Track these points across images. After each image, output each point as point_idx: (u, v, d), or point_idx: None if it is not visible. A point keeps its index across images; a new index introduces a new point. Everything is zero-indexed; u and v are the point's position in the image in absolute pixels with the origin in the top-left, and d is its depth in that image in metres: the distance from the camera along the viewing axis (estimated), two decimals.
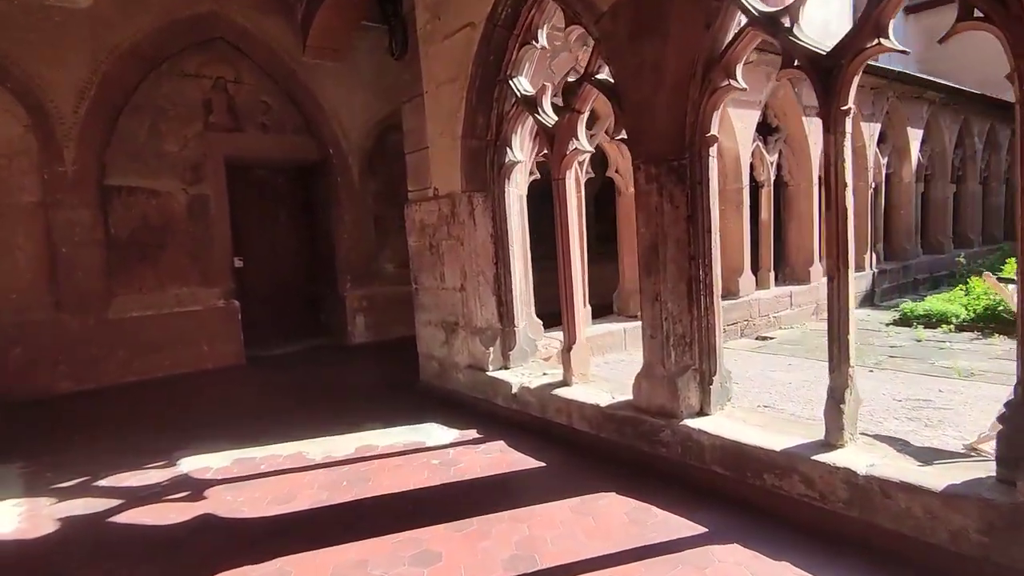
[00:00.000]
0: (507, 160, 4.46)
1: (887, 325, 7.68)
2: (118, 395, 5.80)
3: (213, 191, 6.68)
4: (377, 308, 7.80)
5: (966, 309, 7.23)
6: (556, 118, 4.02)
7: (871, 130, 9.45)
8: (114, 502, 3.32)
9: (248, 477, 3.57)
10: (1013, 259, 5.96)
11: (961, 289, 8.11)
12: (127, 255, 6.23)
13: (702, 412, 3.22)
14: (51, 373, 5.77)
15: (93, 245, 5.98)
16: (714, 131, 3.07)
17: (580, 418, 3.73)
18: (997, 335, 6.30)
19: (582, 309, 4.08)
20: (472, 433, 4.12)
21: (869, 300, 9.47)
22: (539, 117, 4.05)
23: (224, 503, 3.22)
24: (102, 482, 3.63)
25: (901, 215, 10.56)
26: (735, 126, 7.13)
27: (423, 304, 5.17)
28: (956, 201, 12.06)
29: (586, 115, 3.87)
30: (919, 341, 6.66)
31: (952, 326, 7.11)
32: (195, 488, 3.45)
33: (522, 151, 4.48)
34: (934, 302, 7.86)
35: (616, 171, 6.38)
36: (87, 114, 5.88)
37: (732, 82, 2.93)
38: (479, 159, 4.52)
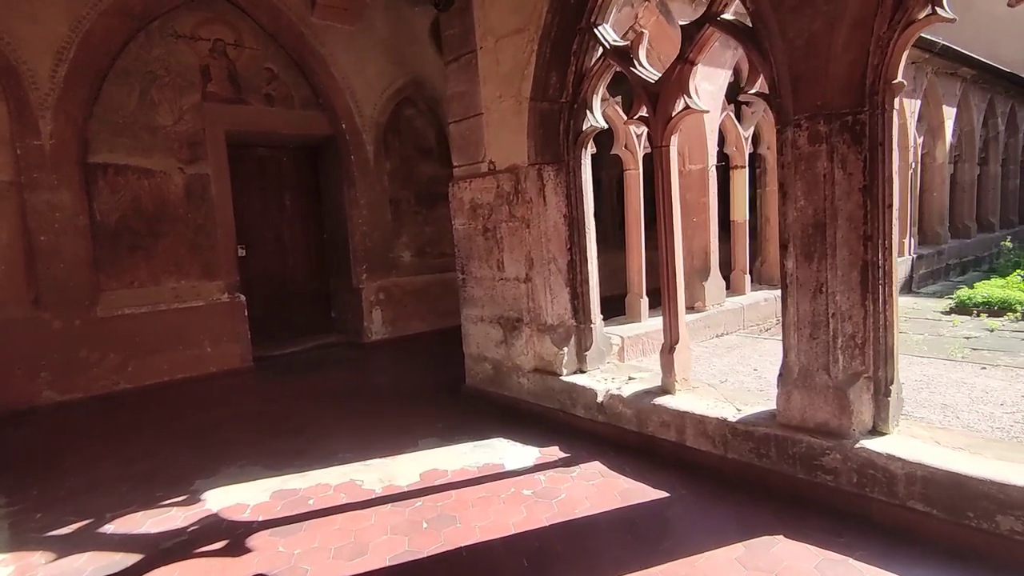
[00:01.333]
0: (586, 126, 3.77)
1: (944, 314, 7.20)
2: (111, 406, 5.00)
3: (214, 170, 5.86)
4: (394, 301, 7.06)
5: None
6: (657, 73, 3.34)
7: (912, 107, 8.94)
8: (130, 558, 2.58)
9: (297, 518, 2.85)
10: None
11: (1019, 274, 7.66)
12: (116, 244, 5.40)
13: (875, 430, 2.60)
14: (31, 381, 4.94)
15: (76, 232, 5.13)
16: (900, 77, 2.43)
17: (698, 435, 3.08)
18: None
19: (682, 302, 3.44)
20: (555, 452, 3.46)
21: (908, 287, 9.01)
22: (637, 72, 3.35)
23: (278, 558, 2.51)
24: (109, 527, 2.88)
25: (934, 198, 10.10)
26: None
27: (473, 297, 4.47)
28: (978, 184, 11.68)
29: (699, 67, 3.19)
30: (992, 331, 6.14)
31: (1018, 314, 6.63)
32: (233, 534, 2.73)
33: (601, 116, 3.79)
34: (991, 288, 7.39)
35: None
36: (66, 79, 5.01)
37: (940, 10, 2.28)
38: (551, 125, 3.81)
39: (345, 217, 6.80)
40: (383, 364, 6.15)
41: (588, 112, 3.73)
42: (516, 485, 3.05)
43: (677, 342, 3.41)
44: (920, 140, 9.35)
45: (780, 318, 2.86)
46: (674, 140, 3.32)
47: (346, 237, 6.83)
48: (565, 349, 3.90)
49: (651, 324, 5.44)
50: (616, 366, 4.03)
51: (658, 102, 3.26)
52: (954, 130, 10.21)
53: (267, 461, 3.57)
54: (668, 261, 3.40)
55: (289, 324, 6.90)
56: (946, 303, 7.71)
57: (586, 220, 3.88)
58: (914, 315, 7.25)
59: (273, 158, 6.82)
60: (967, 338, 5.97)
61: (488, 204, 4.19)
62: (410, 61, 7.01)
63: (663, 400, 3.31)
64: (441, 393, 4.77)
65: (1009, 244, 9.46)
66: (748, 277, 6.56)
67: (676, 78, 3.17)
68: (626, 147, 5.27)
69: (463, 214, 4.43)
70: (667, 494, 2.86)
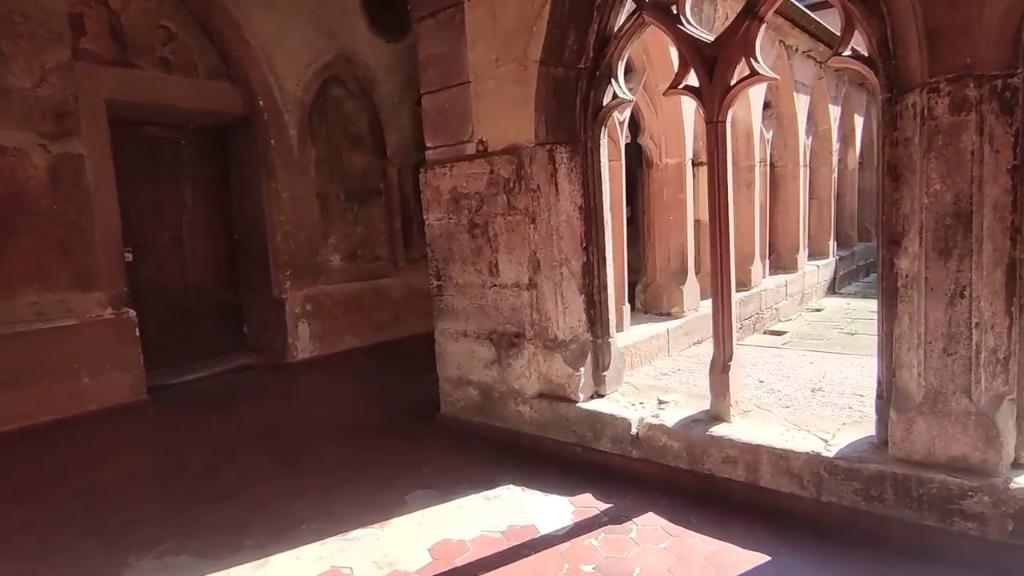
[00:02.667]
0: (608, 99, 3.12)
1: None
2: None
3: (90, 151, 4.55)
4: (323, 313, 6.00)
5: None
6: (709, 34, 2.75)
7: (835, 113, 9.22)
8: None
9: None
10: None
11: None
12: None
13: (1018, 464, 2.15)
14: None
15: None
16: None
17: (779, 474, 2.52)
18: None
19: (735, 309, 2.89)
20: (590, 501, 2.75)
21: (832, 288, 9.26)
22: (686, 30, 2.75)
23: None
24: None
25: (846, 202, 10.55)
26: (749, 96, 6.31)
27: (453, 309, 3.66)
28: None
29: (764, 27, 2.64)
30: None
31: None
32: None
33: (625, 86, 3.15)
34: None
35: (650, 137, 5.23)
36: None
37: None
38: (566, 97, 3.12)
39: (263, 214, 5.67)
40: (320, 391, 5.12)
41: (612, 81, 3.08)
42: (567, 558, 2.32)
43: (731, 359, 2.85)
44: (837, 146, 9.68)
45: (884, 328, 2.36)
46: (729, 115, 2.75)
47: (264, 238, 5.69)
48: (581, 370, 3.22)
49: (636, 334, 4.91)
50: (635, 388, 3.40)
51: (715, 68, 2.68)
52: (861, 138, 10.74)
53: (198, 544, 2.56)
54: (722, 266, 2.82)
55: (192, 344, 5.63)
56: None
57: (604, 213, 3.23)
58: (857, 315, 7.34)
59: (170, 140, 5.53)
60: None
61: (477, 194, 3.41)
62: (340, 33, 6.01)
63: (721, 430, 2.72)
64: (410, 426, 3.90)
65: None
66: None
67: (741, 38, 2.60)
68: (608, 136, 4.68)
69: (440, 207, 3.62)
70: (767, 557, 2.25)
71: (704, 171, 5.99)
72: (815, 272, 8.44)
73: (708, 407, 2.92)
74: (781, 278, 7.48)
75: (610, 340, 3.30)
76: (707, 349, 5.39)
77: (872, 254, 11.63)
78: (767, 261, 7.47)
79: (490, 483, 2.98)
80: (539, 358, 3.32)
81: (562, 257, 3.19)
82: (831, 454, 2.41)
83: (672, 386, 4.24)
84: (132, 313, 4.73)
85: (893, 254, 2.28)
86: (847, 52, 2.37)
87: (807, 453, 2.45)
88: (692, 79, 2.79)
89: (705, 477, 2.72)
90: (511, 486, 2.94)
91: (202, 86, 5.29)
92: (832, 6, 2.43)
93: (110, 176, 4.67)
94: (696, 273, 6.06)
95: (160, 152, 5.49)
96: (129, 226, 5.04)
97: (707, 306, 5.81)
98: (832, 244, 9.41)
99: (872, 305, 7.77)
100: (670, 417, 2.91)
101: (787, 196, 7.95)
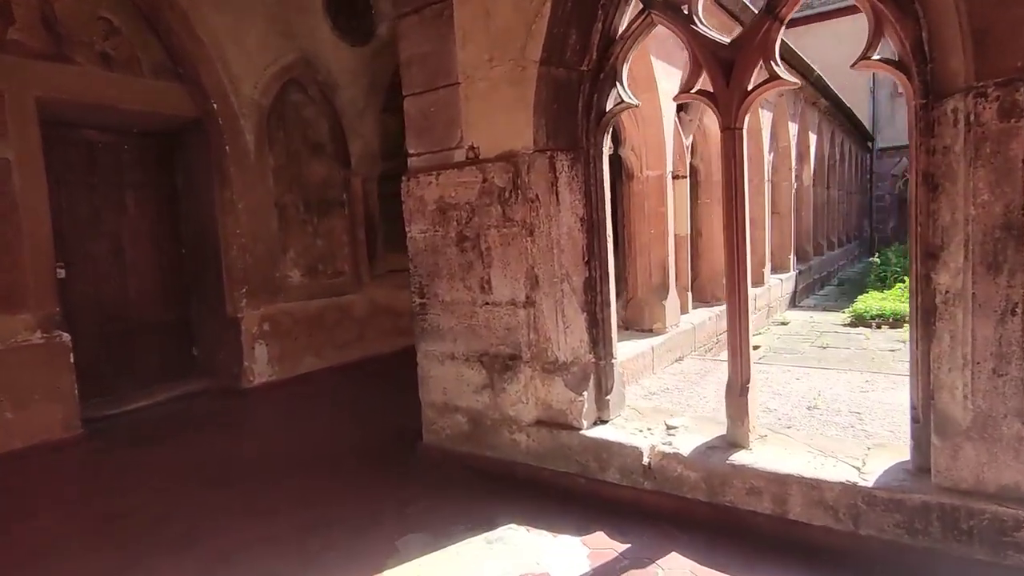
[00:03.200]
0: (612, 104, 2.92)
1: (846, 327, 7.45)
2: None
3: (17, 154, 4.04)
4: (283, 333, 5.56)
5: None
6: (724, 36, 2.60)
7: (793, 130, 9.41)
8: None
9: None
10: None
11: (900, 288, 8.24)
12: None
13: None
14: None
15: None
16: None
17: (811, 505, 2.33)
18: None
19: (751, 325, 2.72)
20: (604, 541, 2.50)
21: (793, 302, 9.39)
22: (700, 31, 2.58)
23: None
24: None
25: (803, 217, 10.79)
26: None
27: (438, 329, 3.36)
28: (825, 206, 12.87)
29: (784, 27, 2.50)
30: (904, 342, 6.33)
31: None
32: None
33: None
34: (879, 302, 7.83)
35: (631, 149, 5.09)
36: None
37: None
38: (567, 100, 2.90)
39: (216, 225, 5.21)
40: (281, 419, 4.69)
41: (617, 85, 2.89)
42: None
43: (748, 380, 2.66)
44: (795, 163, 9.89)
45: (919, 348, 2.22)
46: (747, 122, 2.59)
47: (217, 251, 5.23)
48: (584, 394, 2.97)
49: (623, 352, 4.70)
50: (639, 412, 3.18)
51: (732, 71, 2.51)
52: (815, 155, 11.04)
53: None
54: (738, 278, 2.65)
55: (134, 368, 5.09)
56: (840, 316, 8.04)
57: (607, 225, 3.02)
58: (823, 329, 7.42)
59: (110, 145, 5.02)
60: (891, 351, 6.09)
61: (467, 204, 3.14)
62: (300, 34, 5.65)
63: (742, 458, 2.53)
64: (388, 457, 3.56)
65: (878, 259, 10.33)
66: (689, 295, 6.14)
67: (760, 40, 2.45)
68: (632, 149, 4.53)
69: (424, 218, 3.32)
70: None
71: (681, 184, 5.95)
72: (779, 285, 8.53)
73: (723, 433, 2.72)
74: (752, 291, 7.47)
75: (613, 361, 3.08)
76: (690, 366, 5.28)
77: (827, 267, 12.01)
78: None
79: (489, 522, 2.68)
80: (537, 382, 3.06)
81: (563, 272, 2.95)
82: (868, 484, 2.24)
83: (665, 406, 4.05)
84: (65, 337, 4.20)
85: (930, 269, 2.14)
86: (876, 56, 2.25)
87: (842, 483, 2.28)
88: (705, 83, 2.62)
89: (726, 510, 2.52)
90: (513, 525, 2.66)
91: (147, 86, 4.83)
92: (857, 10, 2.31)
93: (41, 183, 4.16)
94: (676, 287, 5.96)
95: (100, 156, 4.97)
96: (62, 238, 4.52)
97: (688, 321, 5.74)
98: (792, 258, 9.58)
99: (834, 318, 7.90)
100: (683, 444, 2.70)
101: (753, 211, 8.00)
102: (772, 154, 8.54)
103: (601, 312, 3.03)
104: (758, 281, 7.89)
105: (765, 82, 2.49)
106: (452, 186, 3.19)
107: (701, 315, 6.05)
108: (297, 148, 5.88)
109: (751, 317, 6.94)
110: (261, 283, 5.38)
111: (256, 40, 5.31)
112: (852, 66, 2.33)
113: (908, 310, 2.33)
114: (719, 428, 2.78)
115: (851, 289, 10.49)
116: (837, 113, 12.42)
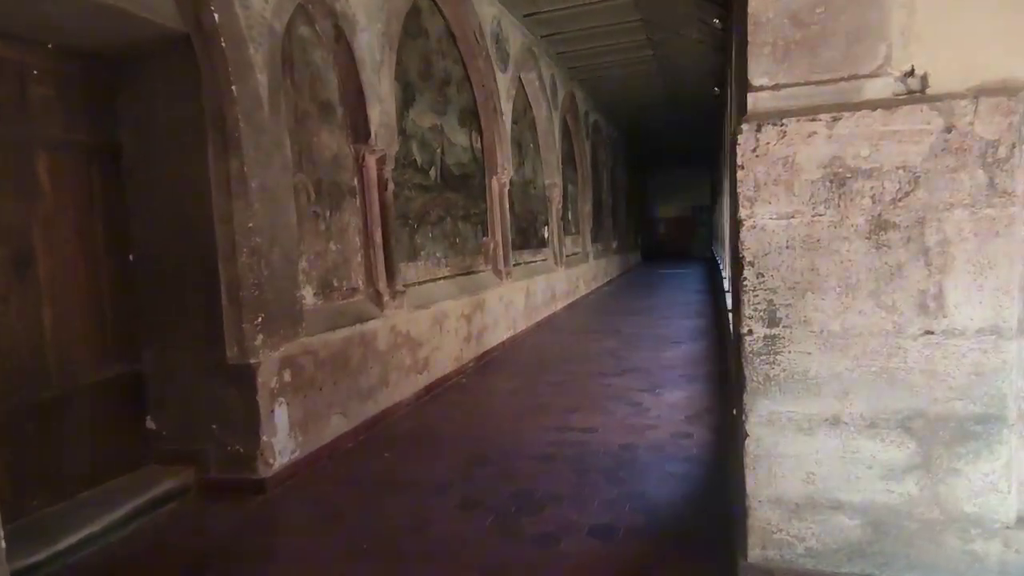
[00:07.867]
0: None
1: None
2: None
3: None
4: (305, 383, 3.63)
5: None
6: None
7: None
8: None
9: None
10: None
11: None
12: None
13: None
14: None
15: None
16: None
17: None
18: None
19: None
20: None
21: None
22: None
23: None
24: None
25: None
26: None
27: (802, 376, 2.02)
28: None
29: None
30: None
31: None
32: None
33: None
34: None
35: None
36: None
37: None
38: None
39: (208, 216, 3.18)
40: (358, 541, 2.84)
41: None
42: None
43: None
44: None
45: None
46: None
47: (210, 258, 3.19)
48: None
49: None
50: None
51: None
52: None
53: None
54: None
55: (53, 469, 2.85)
56: None
57: None
58: None
59: (9, 65, 2.77)
60: None
61: (901, 170, 1.88)
62: None
63: None
64: None
65: None
66: None
67: None
68: None
69: (791, 193, 1.98)
70: None
71: None
72: None
73: None
74: None
75: None
76: None
77: None
78: None
79: None
80: None
81: None
82: None
83: None
84: None
85: None
86: None
87: None
88: None
89: None
90: None
91: None
92: None
93: None
94: None
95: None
96: None
97: None
98: None
99: None
100: None
101: None
102: None
103: None
104: None
105: None
106: (865, 138, 1.91)
107: None
108: (306, 107, 3.97)
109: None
110: (280, 309, 3.43)
111: None
112: None
113: None
114: None
115: None
116: None
